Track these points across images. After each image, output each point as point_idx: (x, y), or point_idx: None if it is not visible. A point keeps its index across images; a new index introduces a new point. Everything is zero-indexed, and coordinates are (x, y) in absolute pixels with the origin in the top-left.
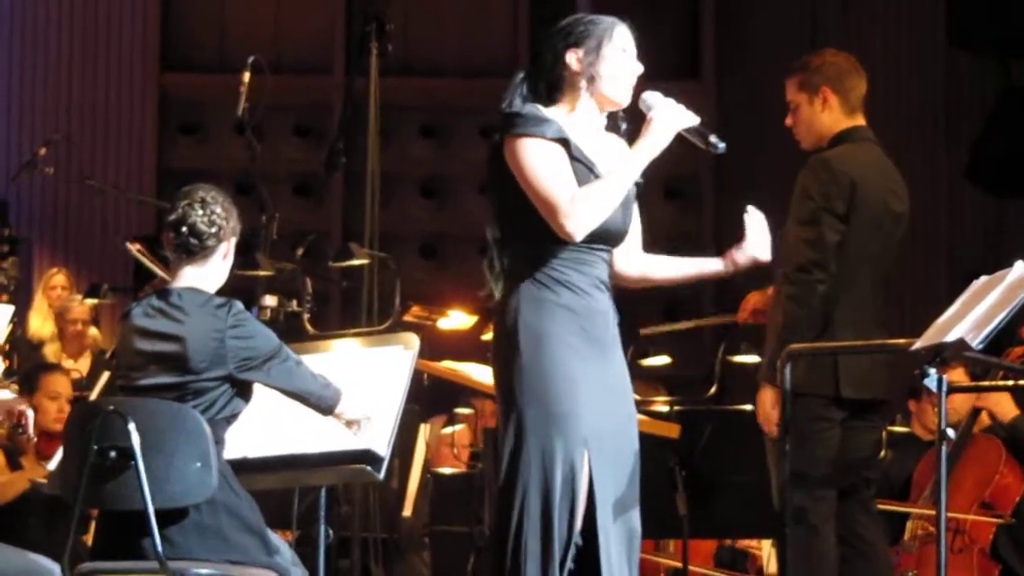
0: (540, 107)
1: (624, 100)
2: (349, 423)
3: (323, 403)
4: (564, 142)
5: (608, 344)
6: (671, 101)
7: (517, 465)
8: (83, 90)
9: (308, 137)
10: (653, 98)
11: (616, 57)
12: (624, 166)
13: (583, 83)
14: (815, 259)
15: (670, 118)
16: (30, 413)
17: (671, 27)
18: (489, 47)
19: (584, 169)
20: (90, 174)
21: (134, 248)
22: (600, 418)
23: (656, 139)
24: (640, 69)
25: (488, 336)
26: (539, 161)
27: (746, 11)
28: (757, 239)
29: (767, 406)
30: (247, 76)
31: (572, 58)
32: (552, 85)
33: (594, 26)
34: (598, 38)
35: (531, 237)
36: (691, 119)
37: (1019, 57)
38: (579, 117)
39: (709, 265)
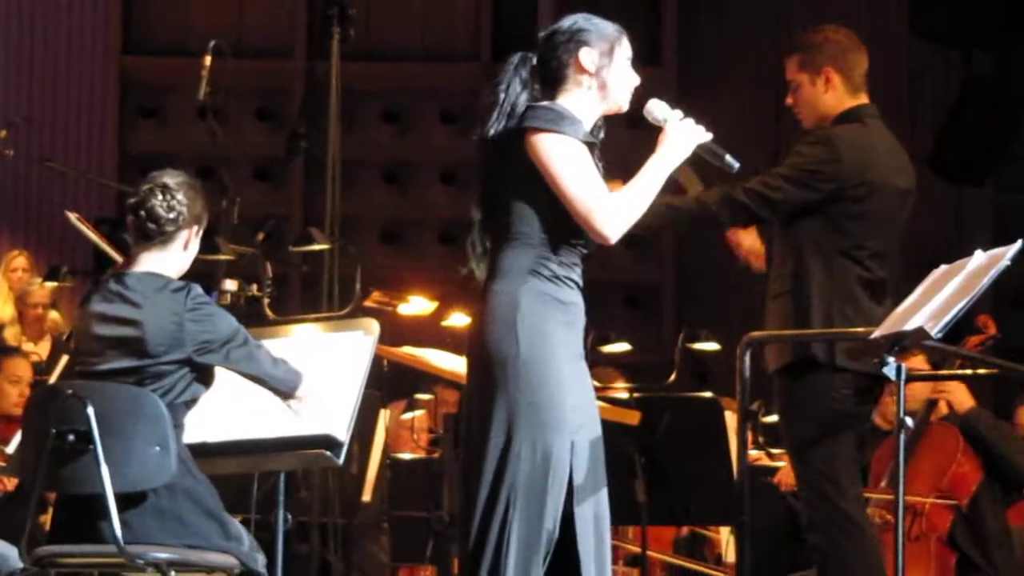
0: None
1: (625, 106)
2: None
3: (283, 386)
4: (591, 147)
5: (582, 340)
6: (680, 113)
7: (507, 456)
8: (44, 72)
9: (270, 121)
10: (661, 109)
11: (624, 64)
12: (646, 177)
13: (591, 84)
14: (756, 205)
15: (689, 133)
16: None
17: (633, 13)
18: (452, 32)
19: (599, 170)
20: (51, 156)
21: (73, 217)
22: (580, 411)
23: (675, 153)
24: (638, 81)
25: (448, 322)
26: (576, 162)
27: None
28: None
29: None
30: (208, 60)
31: (586, 58)
32: (555, 82)
33: (604, 29)
34: (610, 42)
35: (542, 231)
36: (706, 135)
37: (981, 48)
38: (586, 115)
39: None
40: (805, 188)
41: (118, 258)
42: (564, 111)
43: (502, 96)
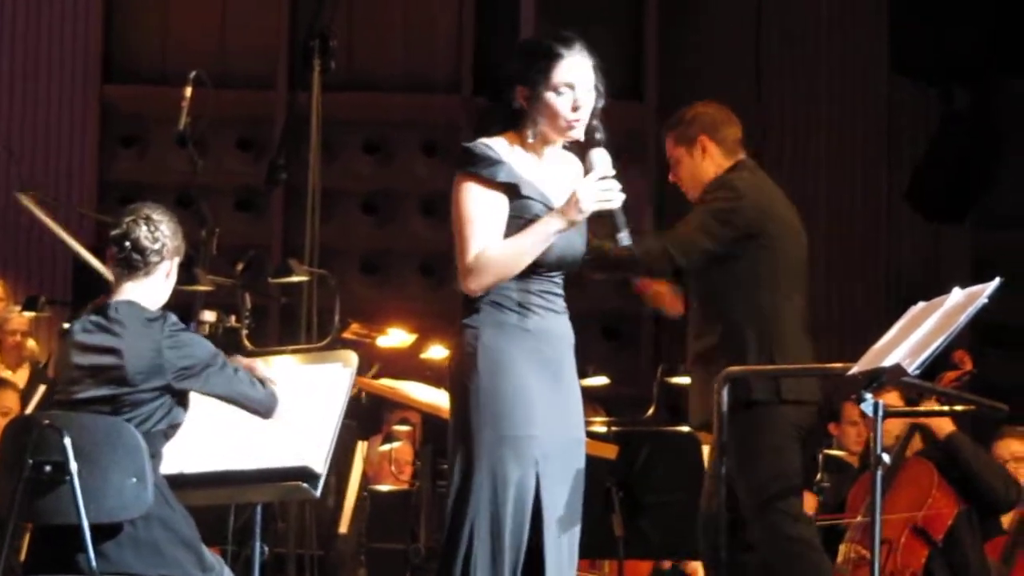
0: (496, 142)
1: (572, 135)
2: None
3: (262, 407)
4: (512, 187)
5: (564, 368)
6: (607, 172)
7: (469, 486)
8: (24, 101)
9: (250, 151)
10: (599, 161)
11: (552, 100)
12: (538, 231)
13: (528, 118)
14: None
15: (595, 195)
16: None
17: (616, 49)
18: (433, 63)
19: (538, 204)
20: (30, 186)
21: (24, 199)
22: (551, 439)
23: (573, 211)
24: (588, 101)
25: (427, 355)
26: (473, 206)
27: (691, 34)
28: None
29: None
30: (189, 90)
31: (519, 94)
32: (511, 112)
33: (536, 62)
34: (538, 76)
35: None
36: (616, 202)
37: (961, 84)
38: (534, 146)
39: None
40: (730, 227)
41: (84, 253)
42: (484, 153)
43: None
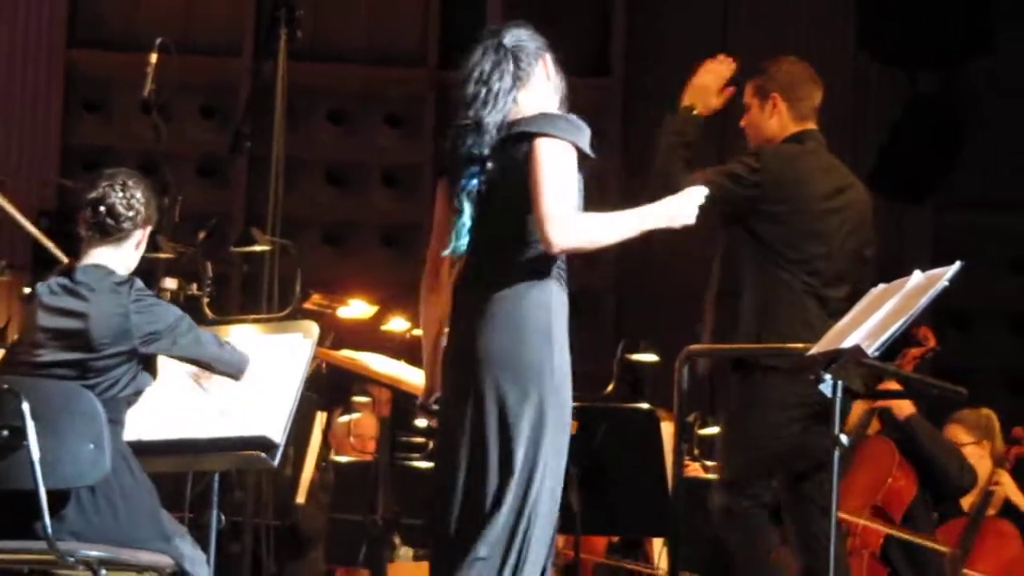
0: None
1: None
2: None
3: (231, 368)
4: (585, 157)
5: None
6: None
7: (536, 459)
8: None
9: (214, 118)
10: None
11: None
12: (634, 219)
13: (551, 88)
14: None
15: (688, 216)
16: None
17: (583, 24)
18: (398, 35)
19: None
20: None
21: None
22: None
23: (671, 218)
24: None
25: (388, 326)
26: (569, 171)
27: (657, 10)
28: None
29: None
30: (154, 56)
31: (551, 61)
32: (520, 79)
33: (545, 41)
34: (550, 53)
35: None
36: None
37: (927, 67)
38: None
39: None
40: (733, 181)
41: (42, 238)
42: (574, 120)
43: (496, 86)
